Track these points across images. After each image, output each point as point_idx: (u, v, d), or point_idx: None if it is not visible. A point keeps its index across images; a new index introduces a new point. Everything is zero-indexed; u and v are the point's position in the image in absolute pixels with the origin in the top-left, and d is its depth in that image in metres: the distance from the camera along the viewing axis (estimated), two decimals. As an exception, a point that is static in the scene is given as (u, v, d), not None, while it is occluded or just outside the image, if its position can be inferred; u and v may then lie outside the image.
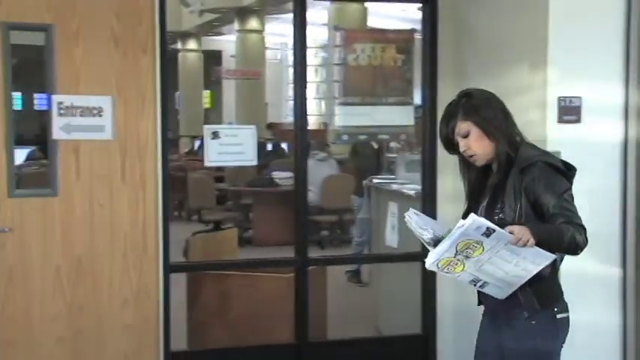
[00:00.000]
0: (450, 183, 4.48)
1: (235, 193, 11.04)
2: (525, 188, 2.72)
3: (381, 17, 15.00)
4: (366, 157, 8.73)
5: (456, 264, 2.62)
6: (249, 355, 4.65)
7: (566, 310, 2.84)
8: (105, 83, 4.14)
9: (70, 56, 4.07)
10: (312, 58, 4.75)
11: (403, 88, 4.73)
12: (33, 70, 4.21)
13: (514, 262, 2.64)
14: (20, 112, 3.75)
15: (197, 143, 16.66)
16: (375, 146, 8.80)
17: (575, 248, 2.68)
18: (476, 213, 2.66)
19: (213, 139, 4.40)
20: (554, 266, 2.79)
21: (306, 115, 4.60)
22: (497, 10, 4.31)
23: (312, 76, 4.45)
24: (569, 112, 3.91)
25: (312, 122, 13.89)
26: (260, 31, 19.39)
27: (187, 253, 5.46)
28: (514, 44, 4.14)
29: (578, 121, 3.92)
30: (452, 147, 2.87)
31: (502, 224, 2.62)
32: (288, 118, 21.45)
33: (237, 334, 4.79)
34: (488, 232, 2.55)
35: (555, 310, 2.81)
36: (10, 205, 4.02)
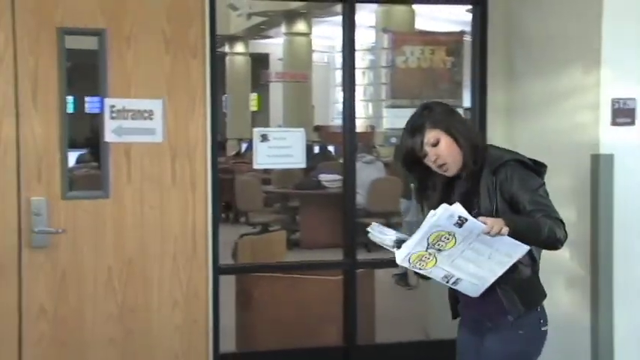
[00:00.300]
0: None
1: (283, 196, 11.08)
2: (499, 189, 2.73)
3: (428, 19, 14.93)
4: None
5: (428, 259, 2.57)
6: (298, 358, 4.66)
7: (547, 323, 2.85)
8: (155, 86, 4.18)
9: (121, 60, 4.12)
10: (360, 60, 4.76)
11: (452, 91, 4.71)
12: (84, 73, 4.27)
13: (487, 254, 2.59)
14: (72, 115, 3.82)
15: (244, 146, 16.77)
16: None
17: (555, 242, 2.67)
18: None
19: (262, 141, 4.42)
20: (534, 266, 2.78)
21: (354, 117, 4.60)
22: (549, 10, 4.26)
23: (359, 78, 4.46)
24: (624, 114, 3.84)
25: (360, 125, 13.87)
26: (307, 34, 19.44)
27: (236, 256, 5.49)
28: (566, 44, 4.08)
29: (632, 123, 3.85)
30: (412, 164, 2.83)
31: None
32: (335, 120, 21.47)
33: (285, 336, 4.80)
34: (461, 222, 2.50)
35: (541, 321, 2.81)
36: (63, 207, 4.08)
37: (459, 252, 2.57)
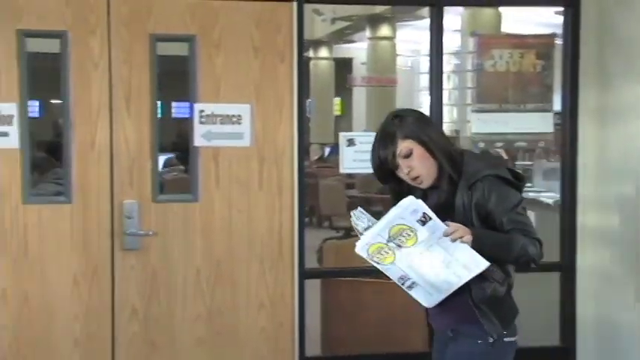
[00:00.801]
0: (592, 192, 4.34)
1: (366, 200, 11.06)
2: (475, 204, 2.59)
3: (514, 22, 14.70)
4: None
5: (387, 253, 2.51)
6: (382, 363, 4.65)
7: (515, 334, 2.72)
8: (244, 91, 4.24)
9: (211, 65, 4.19)
10: (445, 64, 4.72)
11: (542, 94, 4.62)
12: (172, 79, 4.35)
13: (446, 262, 2.51)
14: (159, 120, 3.92)
15: (327, 150, 16.81)
16: (503, 153, 8.62)
17: (528, 260, 2.57)
18: None
19: (348, 146, 4.42)
20: (509, 285, 2.67)
21: (441, 122, 4.57)
22: (644, 12, 4.14)
23: (444, 82, 4.41)
24: None
25: (444, 129, 13.78)
26: (391, 38, 19.38)
27: (321, 259, 5.50)
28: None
29: None
30: (386, 175, 2.71)
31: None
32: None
33: (370, 341, 4.79)
34: (424, 220, 2.44)
35: (504, 332, 2.67)
36: (154, 210, 4.17)
37: (418, 252, 2.50)
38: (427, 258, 2.52)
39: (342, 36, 21.87)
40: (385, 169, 2.69)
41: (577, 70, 4.53)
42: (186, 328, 4.23)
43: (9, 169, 4.00)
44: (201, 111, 4.20)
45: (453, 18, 14.83)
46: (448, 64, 17.24)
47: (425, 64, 21.87)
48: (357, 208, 2.62)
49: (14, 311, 4.04)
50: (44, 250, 4.04)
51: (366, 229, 2.54)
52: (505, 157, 8.63)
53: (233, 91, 4.23)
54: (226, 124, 4.22)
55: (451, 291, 2.58)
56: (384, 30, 19.22)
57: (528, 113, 4.63)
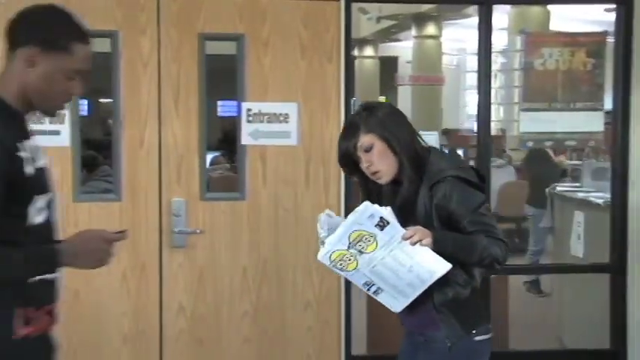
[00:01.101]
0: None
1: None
2: (437, 205, 2.54)
3: (564, 20, 14.52)
4: (545, 164, 8.48)
5: (349, 260, 2.46)
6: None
7: (487, 332, 2.64)
8: (291, 90, 4.25)
9: (259, 64, 4.21)
10: (491, 63, 4.69)
11: (593, 93, 4.55)
12: (218, 77, 4.38)
13: (408, 265, 2.45)
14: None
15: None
16: (551, 153, 8.53)
17: (492, 262, 2.52)
18: None
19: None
20: (473, 287, 2.60)
21: (489, 121, 4.53)
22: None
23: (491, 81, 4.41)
24: None
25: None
26: (437, 37, 19.30)
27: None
28: None
29: None
30: (350, 166, 2.66)
31: None
32: (464, 124, 21.21)
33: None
34: (382, 224, 2.39)
35: (474, 332, 2.61)
36: (201, 208, 4.20)
37: (380, 258, 2.46)
38: (389, 263, 2.48)
39: (387, 35, 21.83)
40: (348, 159, 2.65)
41: (629, 69, 4.46)
42: (232, 326, 4.26)
43: (60, 167, 4.05)
44: (249, 110, 4.22)
45: (500, 16, 14.70)
46: (495, 62, 17.10)
47: (471, 62, 21.76)
48: (324, 211, 2.56)
49: (65, 307, 4.04)
50: (94, 247, 4.08)
51: (327, 237, 2.49)
52: (554, 156, 8.55)
53: (280, 90, 4.24)
54: (273, 122, 4.24)
55: (416, 294, 2.53)
56: (430, 28, 19.14)
57: (578, 112, 4.57)
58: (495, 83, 15.31)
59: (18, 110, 2.17)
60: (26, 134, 2.19)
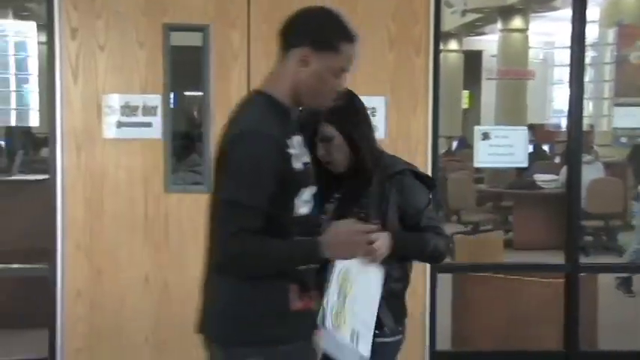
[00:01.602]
0: None
1: (495, 195, 10.87)
2: (393, 197, 2.57)
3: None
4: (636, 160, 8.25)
5: (340, 313, 2.37)
6: (514, 360, 4.56)
7: (403, 333, 2.73)
8: (379, 84, 4.24)
9: (347, 58, 4.21)
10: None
11: (691, 88, 4.41)
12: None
13: (367, 288, 2.45)
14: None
15: (454, 143, 16.61)
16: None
17: (438, 257, 2.66)
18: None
19: (483, 139, 4.36)
20: (406, 281, 2.68)
21: (581, 116, 4.44)
22: None
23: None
24: None
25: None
26: (524, 30, 18.95)
27: (452, 254, 5.45)
28: None
29: None
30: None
31: None
32: (550, 119, 20.82)
33: (502, 337, 4.71)
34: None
35: (400, 329, 2.70)
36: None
37: (353, 297, 2.41)
38: (357, 293, 2.43)
39: (472, 28, 21.56)
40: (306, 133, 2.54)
41: None
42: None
43: (152, 159, 4.14)
44: (337, 103, 4.22)
45: (592, 8, 14.33)
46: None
47: (558, 56, 21.30)
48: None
49: (155, 297, 4.18)
50: (183, 238, 4.16)
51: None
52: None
53: (368, 84, 4.21)
54: (361, 116, 4.23)
55: (373, 320, 2.50)
56: (517, 22, 18.80)
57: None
58: (585, 77, 14.91)
59: (287, 107, 2.32)
60: (294, 130, 2.34)
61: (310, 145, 2.55)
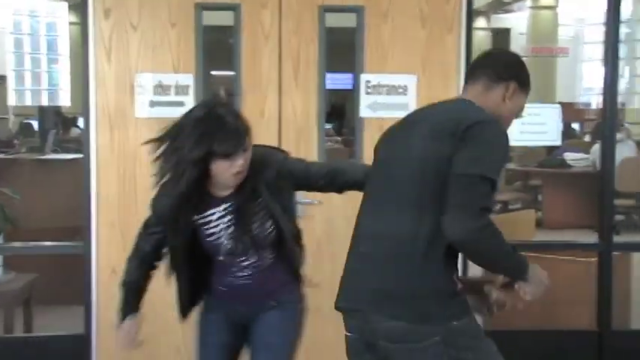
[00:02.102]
0: None
1: (524, 174, 10.81)
2: (279, 192, 2.72)
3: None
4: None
5: None
6: (548, 339, 4.55)
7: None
8: (410, 62, 4.22)
9: (378, 36, 4.20)
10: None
11: None
12: (332, 50, 4.40)
13: None
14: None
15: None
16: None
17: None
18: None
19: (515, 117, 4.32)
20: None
21: (616, 93, 4.40)
22: None
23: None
24: None
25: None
26: (554, 7, 18.73)
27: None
28: None
29: None
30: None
31: (260, 237, 2.68)
32: (580, 97, 20.61)
33: (535, 316, 4.69)
34: None
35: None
36: (320, 179, 4.23)
37: None
38: None
39: (500, 6, 21.34)
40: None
41: None
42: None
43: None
44: (368, 81, 4.22)
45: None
46: (614, 33, 16.45)
47: (589, 34, 21.05)
48: None
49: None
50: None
51: None
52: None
53: (400, 62, 4.22)
54: (392, 94, 4.23)
55: None
56: (546, -2, 18.59)
57: None
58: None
59: None
60: None
61: None
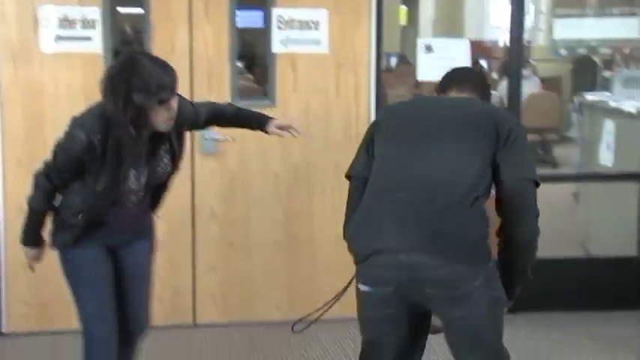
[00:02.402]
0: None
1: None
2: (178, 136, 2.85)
3: None
4: (580, 73, 8.39)
5: None
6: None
7: None
8: (321, -3, 4.21)
9: (289, -31, 4.16)
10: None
11: (628, -1, 4.46)
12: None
13: None
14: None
15: (393, 60, 16.58)
16: (597, 61, 8.40)
17: None
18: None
19: (426, 52, 4.37)
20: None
21: (522, 29, 4.47)
22: None
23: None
24: None
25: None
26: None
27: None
28: None
29: None
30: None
31: (160, 174, 2.80)
32: (487, 34, 20.88)
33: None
34: None
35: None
36: (233, 115, 4.22)
37: None
38: None
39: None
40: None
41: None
42: (263, 231, 4.33)
43: (92, 74, 4.04)
44: (280, 16, 4.19)
45: None
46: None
47: (496, -29, 21.25)
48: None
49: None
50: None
51: None
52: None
53: (311, -3, 4.20)
54: (304, 29, 4.21)
55: None
56: None
57: (613, 18, 4.48)
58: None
59: None
60: None
61: None
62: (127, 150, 2.64)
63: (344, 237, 2.53)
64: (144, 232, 3.01)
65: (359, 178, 2.57)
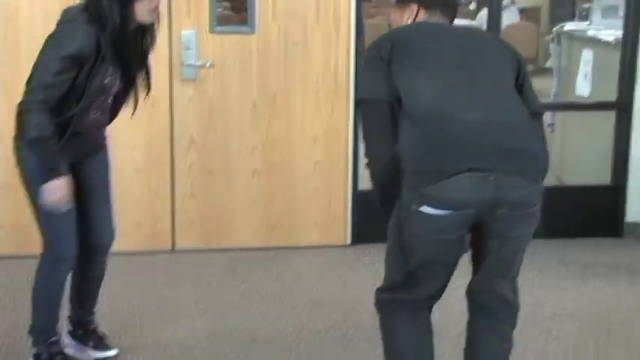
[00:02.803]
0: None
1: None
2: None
3: None
4: (559, 3, 8.33)
5: None
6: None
7: None
8: None
9: None
10: None
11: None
12: None
13: None
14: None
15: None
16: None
17: None
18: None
19: None
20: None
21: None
22: None
23: None
24: None
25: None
26: None
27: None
28: None
29: None
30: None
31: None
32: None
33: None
34: None
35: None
36: (211, 41, 4.18)
37: None
38: None
39: None
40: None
41: None
42: (242, 159, 4.33)
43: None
44: (258, -60, 4.13)
45: None
46: None
47: None
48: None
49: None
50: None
51: None
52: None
53: None
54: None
55: None
56: None
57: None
58: None
59: None
60: None
61: None
62: (120, 45, 2.72)
63: (369, 164, 2.42)
64: (101, 143, 3.05)
65: (384, 102, 2.36)
